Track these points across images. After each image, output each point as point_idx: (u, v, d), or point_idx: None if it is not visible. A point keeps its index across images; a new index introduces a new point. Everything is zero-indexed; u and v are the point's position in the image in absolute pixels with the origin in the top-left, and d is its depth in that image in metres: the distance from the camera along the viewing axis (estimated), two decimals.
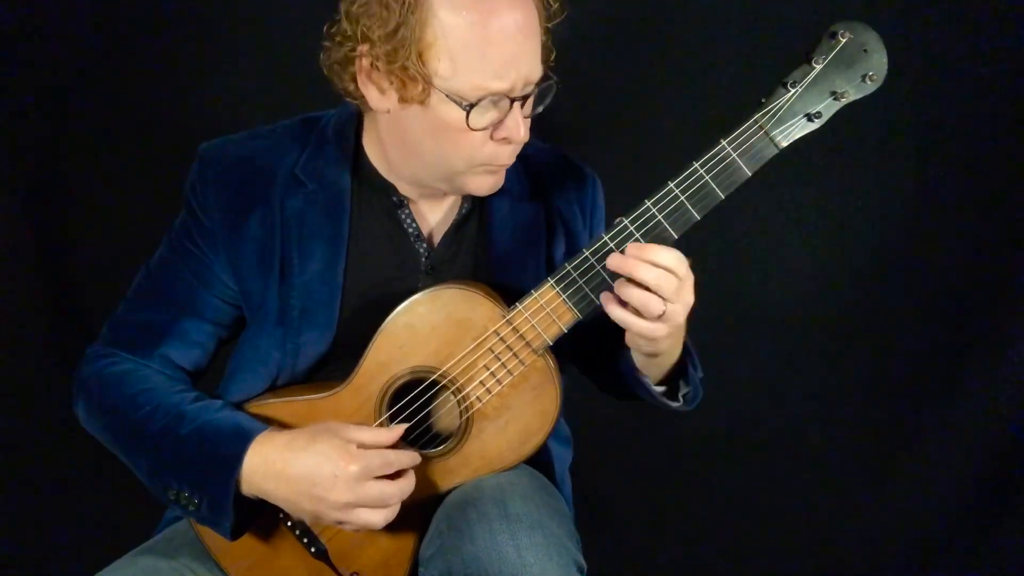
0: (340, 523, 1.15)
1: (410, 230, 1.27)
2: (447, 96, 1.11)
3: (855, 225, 2.07)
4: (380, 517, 1.14)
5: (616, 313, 1.12)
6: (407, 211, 1.27)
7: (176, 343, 1.27)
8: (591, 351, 1.36)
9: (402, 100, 1.13)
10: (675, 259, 1.09)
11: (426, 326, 1.18)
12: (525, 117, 1.16)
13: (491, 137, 1.15)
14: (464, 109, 1.10)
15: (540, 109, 1.19)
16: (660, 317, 1.10)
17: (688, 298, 1.13)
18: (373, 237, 1.27)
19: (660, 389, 1.28)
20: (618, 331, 1.17)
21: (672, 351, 1.22)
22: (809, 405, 2.16)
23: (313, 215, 1.24)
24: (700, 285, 1.14)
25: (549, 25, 1.17)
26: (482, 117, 1.12)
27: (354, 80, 1.17)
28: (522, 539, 1.08)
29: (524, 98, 1.14)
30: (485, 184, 1.21)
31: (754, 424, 2.18)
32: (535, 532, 1.09)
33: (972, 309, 2.05)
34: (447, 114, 1.12)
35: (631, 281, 1.10)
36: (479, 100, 1.10)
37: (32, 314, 2.09)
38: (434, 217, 1.30)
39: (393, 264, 1.27)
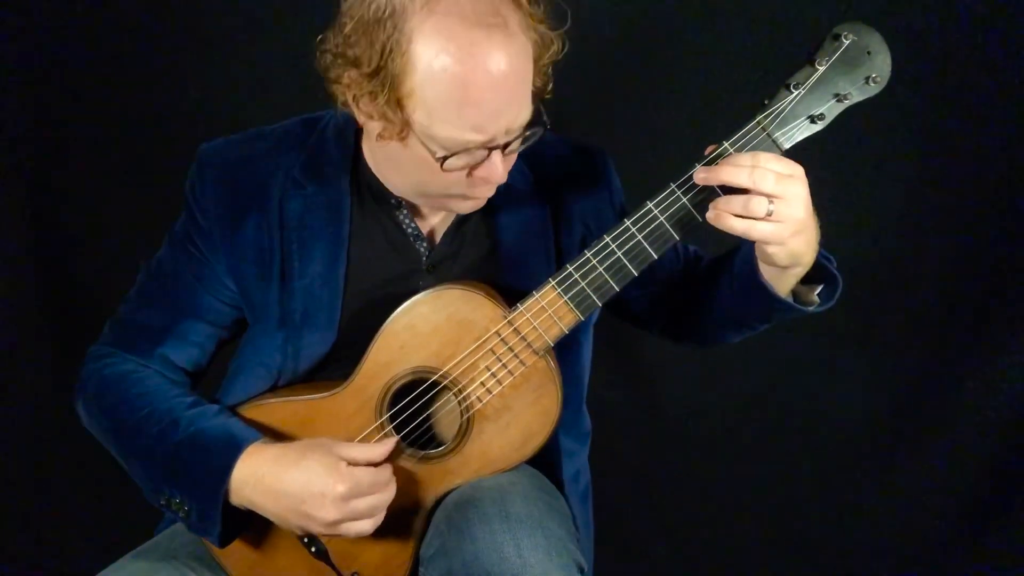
0: (329, 537, 1.16)
1: (409, 230, 1.27)
2: (422, 142, 1.09)
3: (854, 226, 2.06)
4: (369, 525, 1.14)
5: (732, 223, 1.07)
6: (405, 211, 1.27)
7: (176, 344, 1.27)
8: (680, 296, 1.35)
9: (380, 137, 1.12)
10: (765, 156, 1.06)
11: (427, 326, 1.18)
12: (507, 156, 1.13)
13: (468, 175, 1.13)
14: (437, 160, 1.08)
15: (524, 147, 1.15)
16: (769, 216, 1.06)
17: (798, 190, 1.06)
18: (373, 238, 1.26)
19: (789, 299, 1.20)
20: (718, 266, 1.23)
21: (808, 256, 1.13)
22: (809, 405, 2.16)
23: (312, 217, 1.23)
24: None
25: (546, 63, 1.12)
26: (458, 161, 1.09)
27: (343, 94, 1.14)
28: (523, 539, 1.07)
29: (505, 144, 1.11)
30: (466, 206, 1.20)
31: (754, 424, 2.18)
32: (536, 532, 1.09)
33: (972, 309, 2.05)
34: (423, 155, 1.10)
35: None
36: (453, 152, 1.08)
37: (33, 313, 2.09)
38: (434, 216, 1.29)
39: (393, 265, 1.26)
